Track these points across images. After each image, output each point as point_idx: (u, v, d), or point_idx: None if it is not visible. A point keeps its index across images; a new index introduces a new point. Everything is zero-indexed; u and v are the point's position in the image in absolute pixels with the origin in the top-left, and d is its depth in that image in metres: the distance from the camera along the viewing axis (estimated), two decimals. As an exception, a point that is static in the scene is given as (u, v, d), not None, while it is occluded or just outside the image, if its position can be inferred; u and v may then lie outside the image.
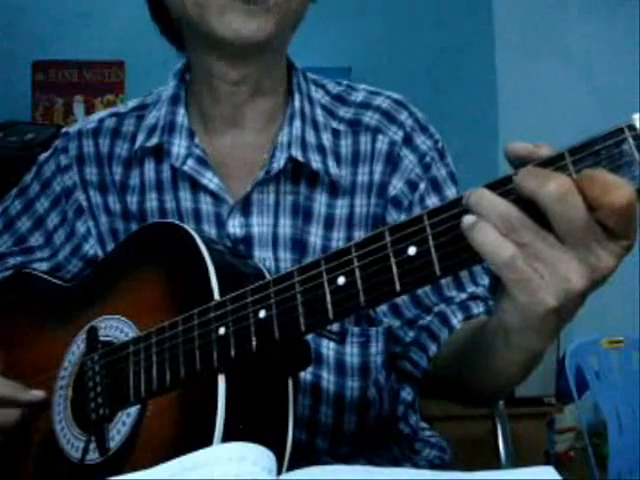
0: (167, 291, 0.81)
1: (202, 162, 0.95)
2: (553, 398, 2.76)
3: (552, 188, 0.54)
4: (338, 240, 0.96)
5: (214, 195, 0.95)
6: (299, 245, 0.95)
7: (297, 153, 0.93)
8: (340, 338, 0.94)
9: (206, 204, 0.96)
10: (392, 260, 0.62)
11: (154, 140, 0.97)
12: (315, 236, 0.95)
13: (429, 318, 0.95)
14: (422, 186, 0.97)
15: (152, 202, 0.98)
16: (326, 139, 0.96)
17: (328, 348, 0.94)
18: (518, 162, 0.59)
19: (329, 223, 0.96)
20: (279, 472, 0.58)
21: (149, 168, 0.99)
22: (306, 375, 0.92)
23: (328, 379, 0.94)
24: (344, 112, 0.99)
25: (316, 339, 0.92)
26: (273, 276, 0.72)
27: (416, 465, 1.02)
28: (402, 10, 3.15)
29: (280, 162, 0.93)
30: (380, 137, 0.97)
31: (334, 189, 0.96)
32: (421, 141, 0.98)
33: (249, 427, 0.70)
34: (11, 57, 2.97)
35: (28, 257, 1.06)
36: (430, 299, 0.95)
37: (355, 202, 0.96)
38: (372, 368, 0.96)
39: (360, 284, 0.64)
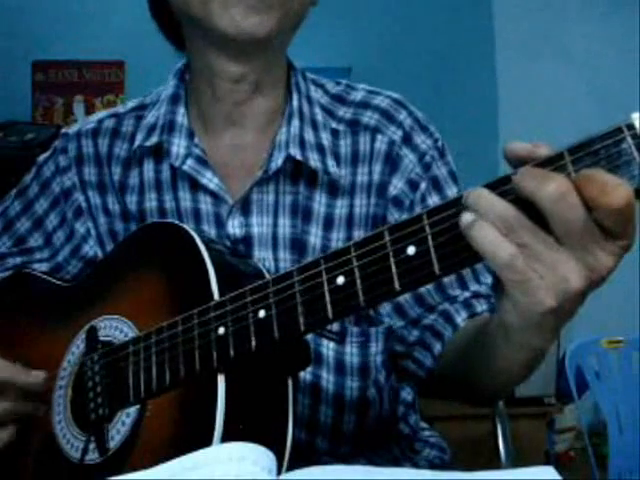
0: (167, 291, 0.81)
1: (202, 162, 0.95)
2: (553, 398, 2.77)
3: (551, 189, 0.54)
4: (338, 240, 0.96)
5: (214, 195, 0.95)
6: (298, 245, 0.95)
7: (295, 152, 0.93)
8: (340, 338, 0.94)
9: (206, 204, 0.96)
10: (391, 260, 0.62)
11: (154, 139, 0.97)
12: (315, 236, 0.95)
13: (433, 317, 0.95)
14: (423, 185, 0.97)
15: (151, 202, 0.98)
16: (325, 139, 0.96)
17: (328, 348, 0.94)
18: (517, 162, 0.59)
19: (329, 223, 0.96)
20: (279, 472, 0.58)
21: (148, 168, 0.99)
22: (306, 375, 0.92)
23: (328, 379, 0.94)
24: (343, 112, 0.99)
25: (316, 339, 0.92)
26: (272, 276, 0.72)
27: (416, 465, 1.02)
28: (402, 10, 3.15)
29: (278, 161, 0.93)
30: (379, 137, 0.97)
31: (333, 189, 0.96)
32: (421, 140, 0.98)
33: (249, 427, 0.70)
34: (11, 57, 2.97)
35: (27, 258, 1.06)
36: (434, 298, 0.95)
37: (355, 202, 0.96)
38: (372, 368, 0.96)
39: (359, 284, 0.64)
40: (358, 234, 0.96)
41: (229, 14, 0.86)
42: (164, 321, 0.77)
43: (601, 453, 2.26)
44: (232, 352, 0.71)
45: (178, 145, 0.96)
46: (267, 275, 0.78)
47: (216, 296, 0.74)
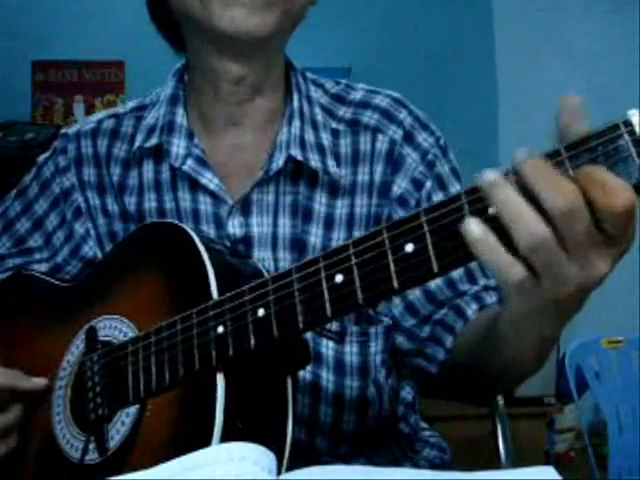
0: (166, 291, 0.81)
1: (201, 162, 0.95)
2: (553, 398, 2.76)
3: (561, 202, 0.55)
4: (338, 240, 0.95)
5: (213, 195, 0.95)
6: (299, 245, 0.95)
7: (296, 152, 0.93)
8: (339, 337, 0.94)
9: (205, 204, 0.96)
10: (390, 257, 0.62)
11: (153, 140, 0.97)
12: (315, 236, 0.95)
13: (443, 312, 0.95)
14: (428, 184, 0.97)
15: (151, 203, 0.98)
16: (325, 139, 0.96)
17: (327, 347, 0.94)
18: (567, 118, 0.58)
19: (329, 223, 0.96)
20: (279, 472, 0.58)
21: (147, 169, 0.99)
22: (305, 374, 0.92)
23: (327, 378, 0.94)
24: (343, 112, 0.99)
25: (315, 338, 0.91)
26: (271, 274, 0.72)
27: (416, 465, 1.02)
28: (402, 10, 3.15)
29: (279, 162, 0.93)
30: (380, 137, 0.97)
31: (334, 189, 0.96)
32: (423, 138, 0.98)
33: (248, 426, 0.70)
34: (11, 57, 2.97)
35: (27, 258, 1.06)
36: (444, 294, 0.95)
37: (355, 202, 0.96)
38: (371, 367, 0.96)
39: (358, 282, 0.64)
40: (359, 234, 0.95)
41: (229, 14, 0.86)
42: (163, 321, 0.77)
43: (601, 453, 2.26)
44: (231, 351, 0.71)
45: (178, 146, 0.96)
46: (266, 275, 0.78)
47: (215, 296, 0.74)
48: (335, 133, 0.98)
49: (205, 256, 0.76)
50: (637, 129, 0.54)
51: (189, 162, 0.95)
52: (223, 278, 0.75)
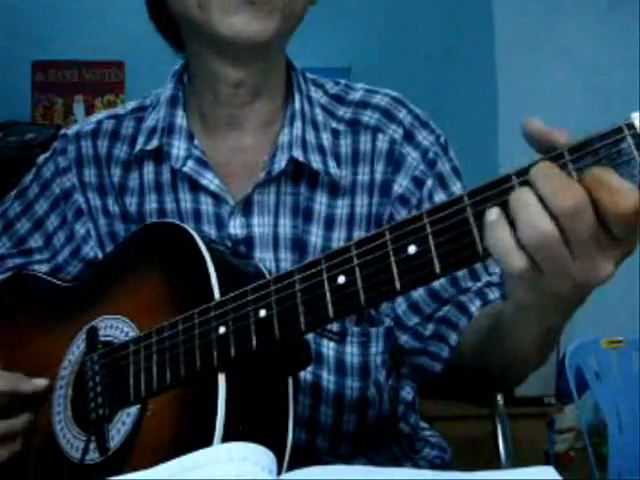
0: (167, 291, 0.81)
1: (202, 163, 0.95)
2: (553, 398, 2.77)
3: (567, 204, 0.55)
4: (339, 240, 0.95)
5: (214, 196, 0.95)
6: (299, 245, 0.95)
7: (298, 153, 0.93)
8: (340, 338, 0.94)
9: (206, 205, 0.96)
10: (392, 259, 0.62)
11: (154, 143, 0.97)
12: (315, 236, 0.95)
13: (447, 308, 0.95)
14: (429, 182, 0.97)
15: (151, 204, 0.98)
16: (326, 139, 0.96)
17: (328, 348, 0.94)
18: (533, 142, 0.60)
19: (329, 223, 0.96)
20: (279, 472, 0.58)
21: (148, 170, 0.99)
22: (306, 375, 0.92)
23: (328, 379, 0.94)
24: (343, 112, 0.99)
25: (316, 339, 0.91)
26: (273, 275, 0.72)
27: (416, 465, 1.02)
28: (402, 10, 3.15)
29: (281, 163, 0.93)
30: (380, 136, 0.97)
31: (334, 189, 0.96)
32: (423, 137, 0.98)
33: (249, 426, 0.70)
34: (11, 57, 2.97)
35: (28, 259, 1.06)
36: (448, 292, 0.95)
37: (356, 202, 0.96)
38: (372, 368, 0.96)
39: (360, 283, 0.64)
40: (359, 234, 0.96)
41: (229, 21, 0.85)
42: (165, 321, 0.77)
43: (601, 453, 2.26)
44: (233, 351, 0.71)
45: (178, 147, 0.96)
46: (267, 275, 0.78)
47: (217, 296, 0.74)
48: (335, 133, 0.98)
49: (207, 256, 0.76)
50: None
51: (189, 163, 0.95)
52: (225, 278, 0.75)
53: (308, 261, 0.68)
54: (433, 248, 0.61)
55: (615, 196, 0.54)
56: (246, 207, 0.95)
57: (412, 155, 0.97)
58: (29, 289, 1.01)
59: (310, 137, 0.95)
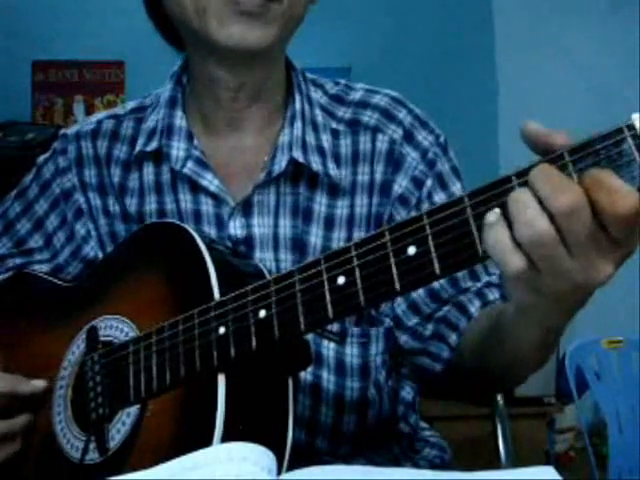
0: (167, 291, 0.81)
1: (202, 164, 0.95)
2: (553, 398, 2.76)
3: (564, 204, 0.55)
4: (339, 240, 0.95)
5: (214, 196, 0.95)
6: (299, 245, 0.95)
7: (298, 154, 0.93)
8: (340, 338, 0.94)
9: (206, 205, 0.96)
10: (392, 260, 0.62)
11: (154, 144, 0.97)
12: (315, 237, 0.95)
13: (446, 308, 0.95)
14: (429, 182, 0.97)
15: (151, 205, 0.98)
16: (325, 140, 0.96)
17: (328, 348, 0.94)
18: (532, 144, 0.60)
19: (329, 223, 0.96)
20: (279, 472, 0.59)
21: (148, 171, 0.99)
22: (306, 375, 0.92)
23: (328, 379, 0.94)
24: (343, 112, 0.99)
25: (316, 339, 0.91)
26: (273, 275, 0.72)
27: (416, 465, 1.02)
28: (402, 10, 3.15)
29: (282, 164, 0.93)
30: (380, 136, 0.97)
31: (334, 190, 0.96)
32: (422, 137, 0.98)
33: (249, 427, 0.70)
34: (11, 57, 2.97)
35: (28, 259, 1.06)
36: (447, 292, 0.95)
37: (356, 202, 0.96)
38: (372, 368, 0.96)
39: (360, 283, 0.64)
40: (359, 234, 0.96)
41: (227, 30, 0.85)
42: (165, 321, 0.77)
43: (601, 453, 2.26)
44: (232, 352, 0.71)
45: (177, 148, 0.96)
46: (267, 275, 0.78)
47: (217, 296, 0.74)
48: (335, 133, 0.98)
49: (207, 256, 0.76)
50: None
51: (189, 164, 0.95)
52: (225, 278, 0.75)
53: (308, 261, 0.68)
54: (433, 249, 0.61)
55: (613, 197, 0.54)
56: (246, 208, 0.95)
57: (412, 155, 0.97)
58: (29, 289, 1.01)
59: (310, 138, 0.95)
